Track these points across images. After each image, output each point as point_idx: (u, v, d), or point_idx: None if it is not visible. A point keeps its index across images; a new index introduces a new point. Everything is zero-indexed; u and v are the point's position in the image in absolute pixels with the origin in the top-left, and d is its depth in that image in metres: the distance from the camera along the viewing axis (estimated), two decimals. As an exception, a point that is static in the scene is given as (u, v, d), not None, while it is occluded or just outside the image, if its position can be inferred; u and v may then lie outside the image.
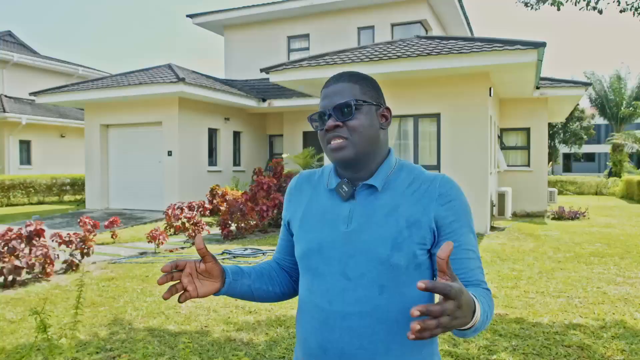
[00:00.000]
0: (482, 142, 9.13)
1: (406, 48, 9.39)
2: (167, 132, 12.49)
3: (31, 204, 15.85)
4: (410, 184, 1.20)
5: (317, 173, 1.35)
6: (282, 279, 1.39)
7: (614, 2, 5.63)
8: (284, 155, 13.27)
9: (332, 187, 1.25)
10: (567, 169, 45.42)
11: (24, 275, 5.69)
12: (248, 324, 4.17)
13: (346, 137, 1.17)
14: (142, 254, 7.40)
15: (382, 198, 1.19)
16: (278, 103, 14.12)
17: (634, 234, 9.01)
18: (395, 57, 8.86)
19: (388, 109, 1.26)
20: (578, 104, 23.66)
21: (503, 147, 12.94)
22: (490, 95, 9.24)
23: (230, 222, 8.83)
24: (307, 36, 16.01)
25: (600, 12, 5.77)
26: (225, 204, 10.25)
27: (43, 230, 5.89)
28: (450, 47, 8.79)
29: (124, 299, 4.95)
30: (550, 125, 25.15)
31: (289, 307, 4.55)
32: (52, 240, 6.41)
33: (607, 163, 29.01)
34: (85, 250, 6.57)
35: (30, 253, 5.65)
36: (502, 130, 12.96)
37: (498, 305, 4.62)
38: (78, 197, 17.12)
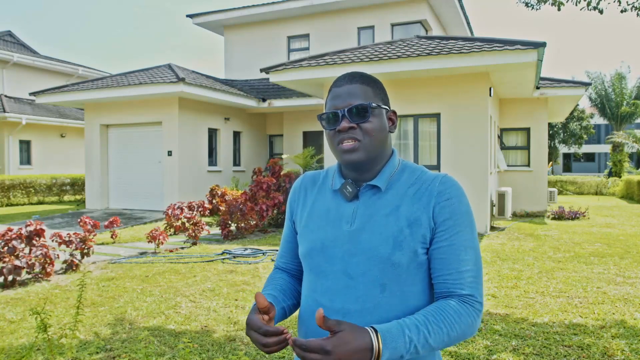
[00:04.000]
0: (482, 142, 9.13)
1: (406, 48, 9.39)
2: (167, 132, 12.49)
3: (31, 204, 15.85)
4: (412, 184, 1.21)
5: (322, 174, 1.36)
6: (297, 287, 1.39)
7: (614, 2, 5.62)
8: (283, 156, 13.26)
9: (336, 188, 1.25)
10: (567, 169, 45.43)
11: (24, 275, 5.69)
12: (248, 324, 4.16)
13: (359, 140, 1.17)
14: (142, 254, 7.40)
15: (384, 198, 1.20)
16: (278, 103, 14.12)
17: (634, 234, 9.01)
18: (395, 57, 8.86)
19: (394, 112, 1.27)
20: (578, 104, 23.68)
21: (503, 147, 12.94)
22: (490, 95, 9.24)
23: (230, 222, 8.83)
24: (307, 36, 16.01)
25: (601, 12, 5.77)
26: (225, 204, 10.25)
27: (43, 230, 5.89)
28: (450, 47, 8.79)
29: (124, 299, 4.95)
30: (550, 125, 25.17)
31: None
32: (52, 240, 6.41)
33: (607, 163, 29.01)
34: (85, 250, 6.57)
35: (30, 253, 5.65)
36: (502, 130, 12.96)
37: (498, 305, 4.62)
38: (78, 197, 17.12)
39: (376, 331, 1.00)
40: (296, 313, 1.33)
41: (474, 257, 1.17)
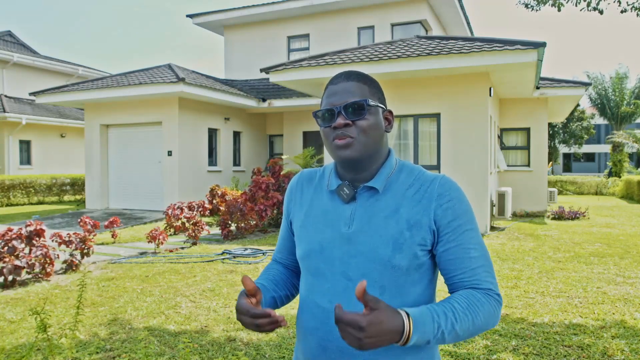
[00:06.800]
0: (482, 142, 9.13)
1: (406, 48, 9.39)
2: (167, 132, 12.49)
3: (31, 204, 15.85)
4: (410, 185, 1.20)
5: (318, 173, 1.34)
6: (292, 279, 1.40)
7: (614, 2, 5.62)
8: (283, 156, 13.26)
9: (332, 189, 1.24)
10: (567, 169, 45.43)
11: (24, 275, 5.69)
12: (248, 324, 4.16)
13: (354, 137, 1.16)
14: (142, 254, 7.40)
15: (383, 200, 1.19)
16: (278, 103, 14.12)
17: (634, 234, 9.01)
18: (395, 57, 8.86)
19: (390, 112, 1.26)
20: (578, 104, 23.68)
21: (503, 147, 12.93)
22: (490, 95, 9.24)
23: (230, 222, 8.83)
24: (307, 36, 16.00)
25: (601, 12, 5.77)
26: (225, 204, 10.25)
27: (43, 230, 5.89)
28: (450, 47, 8.79)
29: (124, 299, 4.95)
30: (550, 125, 25.17)
31: (289, 307, 4.54)
32: (52, 240, 6.41)
33: (607, 163, 29.01)
34: (85, 250, 6.57)
35: (30, 253, 5.65)
36: (502, 130, 12.96)
37: (498, 305, 4.62)
38: (78, 197, 17.12)
39: (408, 315, 1.00)
40: (295, 312, 1.33)
41: (482, 253, 1.18)
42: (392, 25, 14.90)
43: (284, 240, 1.41)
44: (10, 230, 5.70)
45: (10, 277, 5.42)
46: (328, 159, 9.69)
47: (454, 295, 1.13)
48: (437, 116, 9.48)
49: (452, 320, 1.05)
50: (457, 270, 1.16)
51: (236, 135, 15.03)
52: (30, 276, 5.80)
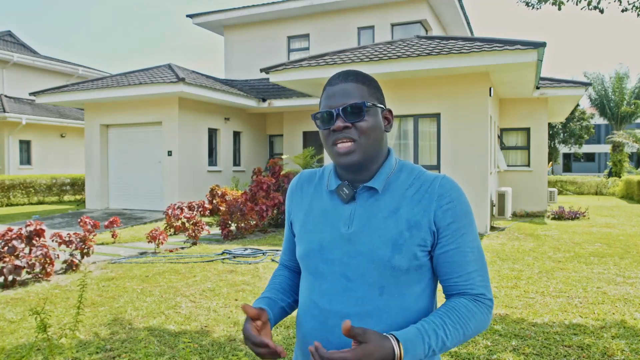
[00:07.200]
0: (482, 142, 9.13)
1: (406, 48, 9.39)
2: (167, 132, 12.49)
3: (31, 204, 15.84)
4: (410, 185, 1.19)
5: (318, 173, 1.34)
6: (299, 283, 1.39)
7: (615, 1, 5.62)
8: (283, 156, 13.25)
9: (332, 189, 1.24)
10: (567, 169, 45.42)
11: (24, 275, 5.69)
12: (248, 324, 4.16)
13: (354, 139, 1.15)
14: (142, 254, 7.40)
15: (382, 200, 1.18)
16: (278, 103, 14.12)
17: (634, 234, 9.01)
18: (395, 57, 8.86)
19: (390, 111, 1.25)
20: (578, 104, 23.67)
21: (503, 147, 12.93)
22: (490, 95, 9.23)
23: (230, 222, 8.83)
24: (307, 36, 16.01)
25: (602, 11, 5.76)
26: (225, 204, 10.25)
27: (43, 230, 5.89)
28: (450, 47, 8.79)
29: (124, 299, 4.95)
30: (550, 125, 25.17)
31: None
32: (52, 240, 6.41)
33: (607, 163, 29.01)
34: (85, 250, 6.57)
35: (30, 253, 5.65)
36: (502, 130, 12.96)
37: (498, 305, 4.62)
38: (78, 197, 17.12)
39: (398, 340, 1.01)
40: (295, 313, 1.33)
41: (479, 256, 1.18)
42: (392, 25, 14.90)
43: (287, 242, 1.41)
44: (10, 230, 5.70)
45: (10, 277, 5.42)
46: (328, 159, 9.69)
47: (445, 308, 1.13)
48: (437, 116, 9.48)
49: (442, 338, 1.07)
50: (453, 274, 1.16)
51: (236, 135, 15.03)
52: (30, 276, 5.80)
